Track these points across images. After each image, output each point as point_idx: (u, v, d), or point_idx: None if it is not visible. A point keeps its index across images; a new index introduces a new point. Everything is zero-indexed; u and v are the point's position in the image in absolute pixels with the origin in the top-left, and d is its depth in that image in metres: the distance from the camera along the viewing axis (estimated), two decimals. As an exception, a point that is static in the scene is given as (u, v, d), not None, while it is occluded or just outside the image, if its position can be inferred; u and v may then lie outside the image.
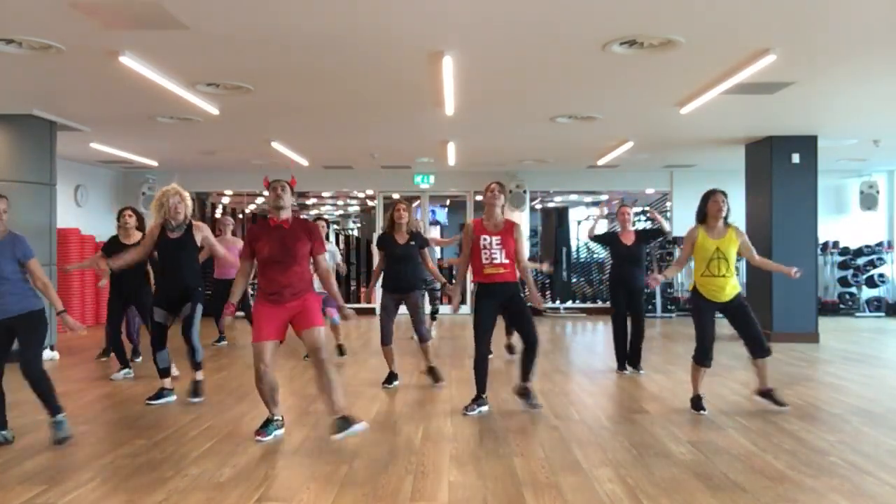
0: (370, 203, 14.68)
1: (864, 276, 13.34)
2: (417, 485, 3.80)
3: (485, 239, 5.30)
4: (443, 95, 6.97)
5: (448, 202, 18.53)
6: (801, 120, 8.71)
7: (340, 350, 8.34)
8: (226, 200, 17.04)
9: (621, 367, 7.30)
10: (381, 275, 6.60)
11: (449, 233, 20.22)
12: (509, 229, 5.37)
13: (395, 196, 15.40)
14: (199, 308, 5.82)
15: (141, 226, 7.11)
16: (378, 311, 6.68)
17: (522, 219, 13.43)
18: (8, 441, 4.59)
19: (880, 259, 13.32)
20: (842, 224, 13.53)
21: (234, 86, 6.82)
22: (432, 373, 6.57)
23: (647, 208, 7.10)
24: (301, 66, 6.15)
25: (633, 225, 7.57)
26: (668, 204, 14.23)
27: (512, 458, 4.26)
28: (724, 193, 5.46)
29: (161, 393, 5.81)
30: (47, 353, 8.10)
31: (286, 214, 4.65)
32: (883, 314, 13.30)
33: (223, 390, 6.32)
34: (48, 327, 4.69)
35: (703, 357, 5.43)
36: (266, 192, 4.73)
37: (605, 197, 16.33)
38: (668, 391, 6.30)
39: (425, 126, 8.93)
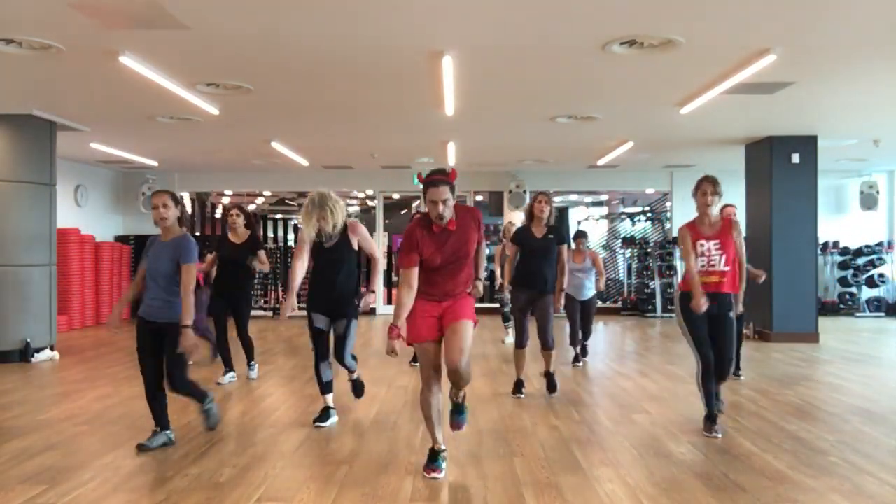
0: (370, 203, 14.68)
1: (864, 276, 13.34)
2: (417, 485, 3.80)
3: (701, 245, 4.74)
4: (443, 95, 6.97)
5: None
6: (801, 120, 8.71)
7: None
8: (226, 200, 17.05)
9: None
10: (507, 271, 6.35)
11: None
12: (727, 229, 4.77)
13: (395, 196, 15.45)
14: (355, 325, 5.13)
15: (250, 223, 6.75)
16: (511, 311, 6.03)
17: (522, 219, 13.44)
18: (171, 442, 4.52)
19: (880, 259, 13.32)
20: (842, 224, 13.53)
21: (234, 86, 6.82)
22: (550, 379, 6.14)
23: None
24: (301, 65, 6.15)
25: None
26: (669, 204, 14.23)
27: (512, 458, 4.26)
28: None
29: (327, 413, 5.11)
30: (47, 353, 8.11)
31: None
32: (883, 314, 13.30)
33: (223, 390, 6.31)
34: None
35: None
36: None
37: (605, 197, 16.34)
38: (668, 391, 6.30)
39: (425, 126, 8.93)
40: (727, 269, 4.69)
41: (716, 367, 4.74)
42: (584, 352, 7.92)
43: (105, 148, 10.51)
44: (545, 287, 5.93)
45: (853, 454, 4.34)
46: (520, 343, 6.01)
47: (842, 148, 10.60)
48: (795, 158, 9.75)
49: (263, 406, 5.72)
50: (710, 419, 4.79)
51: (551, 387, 6.10)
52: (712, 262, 4.69)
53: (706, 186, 4.73)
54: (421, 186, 3.80)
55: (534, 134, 9.49)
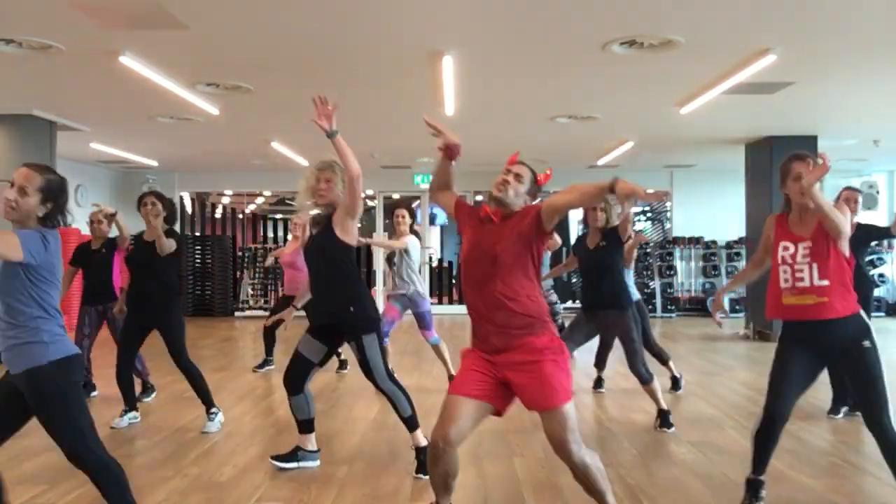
0: (370, 203, 14.69)
1: (865, 277, 13.33)
2: (417, 485, 3.80)
3: (784, 247, 3.19)
4: (443, 95, 6.97)
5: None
6: (801, 120, 8.71)
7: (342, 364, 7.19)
8: (226, 200, 17.05)
9: (836, 410, 5.34)
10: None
11: (449, 232, 20.22)
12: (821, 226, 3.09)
13: (396, 196, 15.46)
14: (371, 344, 3.88)
15: (171, 214, 5.02)
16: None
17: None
18: None
19: (880, 259, 13.32)
20: (842, 224, 13.52)
21: (234, 86, 6.82)
22: (663, 418, 4.95)
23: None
24: (301, 66, 6.15)
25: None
26: (669, 204, 14.22)
27: (512, 458, 4.26)
28: None
29: (295, 454, 4.03)
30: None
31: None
32: (883, 314, 13.29)
33: (223, 390, 6.31)
34: (74, 403, 2.77)
35: None
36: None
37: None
38: (668, 391, 6.30)
39: (425, 126, 8.92)
40: (824, 283, 3.08)
41: (880, 439, 3.40)
42: (598, 384, 6.45)
43: (105, 148, 10.52)
44: (607, 304, 4.82)
45: (853, 454, 4.34)
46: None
47: (842, 148, 10.59)
48: (796, 158, 9.75)
49: (263, 406, 5.72)
50: (752, 488, 3.44)
51: (665, 423, 4.93)
52: (799, 275, 3.12)
53: (798, 167, 3.13)
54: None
55: (534, 134, 9.49)
